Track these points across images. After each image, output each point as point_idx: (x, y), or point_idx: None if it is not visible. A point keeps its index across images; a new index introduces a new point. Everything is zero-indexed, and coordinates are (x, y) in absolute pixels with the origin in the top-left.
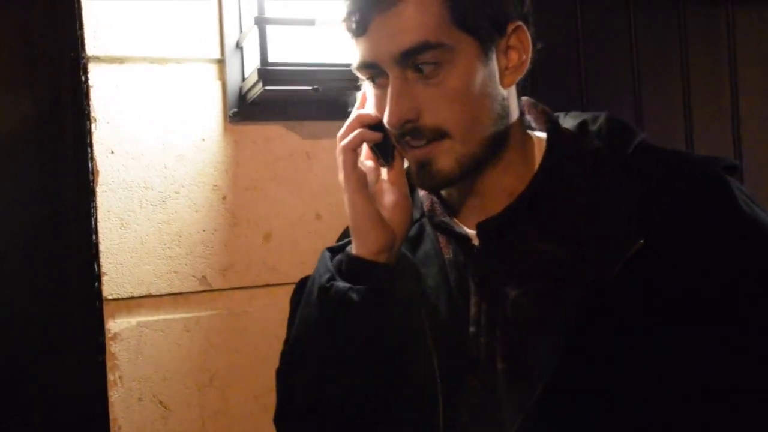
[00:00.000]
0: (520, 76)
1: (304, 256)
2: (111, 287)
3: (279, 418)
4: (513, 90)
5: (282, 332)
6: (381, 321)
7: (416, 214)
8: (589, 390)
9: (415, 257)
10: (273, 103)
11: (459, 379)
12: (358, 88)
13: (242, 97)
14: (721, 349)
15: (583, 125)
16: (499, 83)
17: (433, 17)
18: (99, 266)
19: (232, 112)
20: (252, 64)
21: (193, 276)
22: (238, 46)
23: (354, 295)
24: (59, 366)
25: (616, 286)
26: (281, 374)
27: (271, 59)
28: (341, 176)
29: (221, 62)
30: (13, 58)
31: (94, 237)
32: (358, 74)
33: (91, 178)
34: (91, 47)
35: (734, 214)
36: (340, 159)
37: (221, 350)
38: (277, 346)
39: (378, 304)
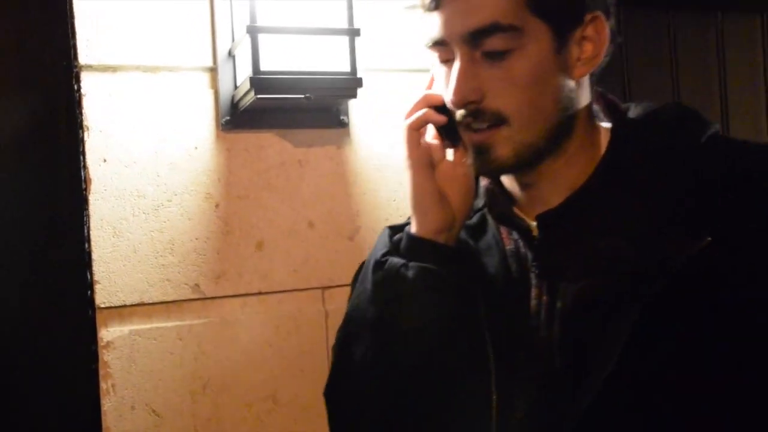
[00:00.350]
0: (593, 69)
1: (296, 264)
2: (104, 296)
3: (328, 390)
4: (585, 81)
5: (275, 340)
6: (433, 300)
7: (479, 203)
8: (650, 388)
9: (476, 246)
10: (265, 111)
11: (515, 372)
12: (350, 95)
13: (234, 105)
14: None
15: (651, 115)
16: (570, 74)
17: None
18: (92, 275)
19: (224, 120)
20: (244, 73)
21: (186, 284)
22: (231, 54)
23: (408, 272)
24: (52, 374)
25: (681, 284)
26: (335, 347)
27: (263, 68)
28: (404, 154)
29: (213, 71)
30: (6, 67)
31: (86, 245)
32: (429, 51)
33: (84, 186)
34: (84, 56)
35: None
36: (403, 137)
37: (214, 358)
38: (269, 354)
39: (431, 282)
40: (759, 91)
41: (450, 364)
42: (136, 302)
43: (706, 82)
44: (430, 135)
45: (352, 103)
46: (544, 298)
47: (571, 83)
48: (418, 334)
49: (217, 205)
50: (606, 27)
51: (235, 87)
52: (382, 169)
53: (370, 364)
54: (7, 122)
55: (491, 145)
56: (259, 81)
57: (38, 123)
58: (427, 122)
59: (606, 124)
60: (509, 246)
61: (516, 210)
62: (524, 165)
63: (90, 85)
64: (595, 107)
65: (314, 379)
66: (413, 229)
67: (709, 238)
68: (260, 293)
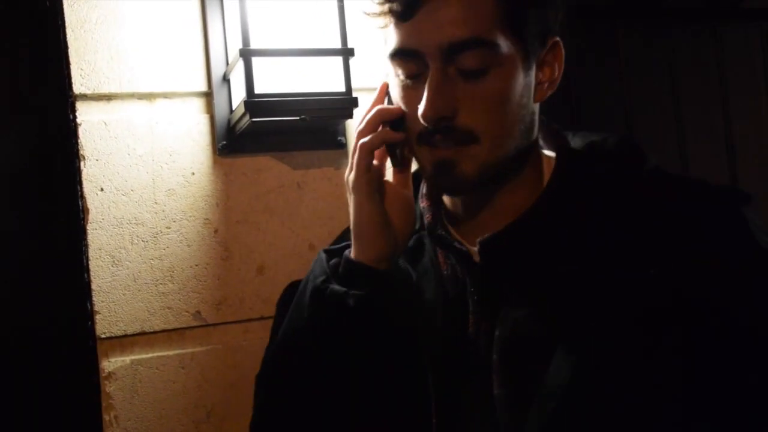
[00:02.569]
0: (550, 93)
1: None
2: (104, 326)
3: (256, 425)
4: (540, 108)
5: None
6: (375, 329)
7: (416, 225)
8: (594, 418)
9: (414, 270)
10: (262, 134)
11: (455, 400)
12: (346, 116)
13: (231, 129)
14: (741, 378)
15: (591, 146)
16: (534, 97)
17: (484, 14)
18: (92, 305)
19: (221, 145)
20: (239, 96)
21: (187, 311)
22: (225, 78)
23: (350, 300)
24: (54, 407)
25: (625, 313)
26: (263, 377)
27: (257, 90)
28: (352, 175)
29: (209, 95)
30: (1, 99)
31: (86, 275)
32: (391, 63)
33: (82, 216)
34: (79, 85)
35: (750, 246)
36: (354, 157)
37: (217, 385)
38: None
39: (373, 311)
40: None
41: (392, 391)
42: (137, 331)
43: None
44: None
45: (349, 123)
46: (483, 325)
47: (534, 107)
48: (361, 361)
49: (216, 231)
50: (563, 54)
51: (231, 111)
52: None
53: (309, 391)
54: (3, 154)
55: (457, 161)
56: (254, 104)
57: (34, 154)
58: (384, 142)
59: (548, 152)
60: (446, 270)
61: (454, 233)
62: (484, 185)
63: (85, 115)
64: (539, 134)
65: None
66: (354, 255)
67: (652, 271)
68: (262, 318)
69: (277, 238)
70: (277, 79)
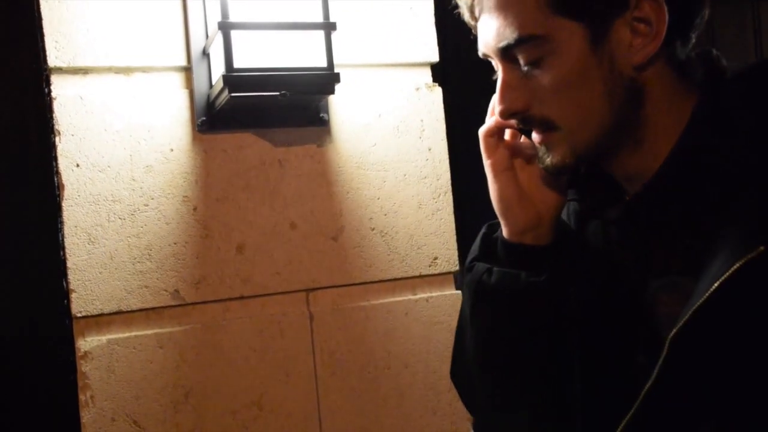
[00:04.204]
0: (655, 49)
1: (278, 267)
2: (80, 304)
3: (451, 372)
4: (660, 61)
5: (258, 345)
6: (516, 303)
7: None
8: (702, 390)
9: (584, 235)
10: (242, 110)
11: (601, 368)
12: (328, 91)
13: (210, 105)
14: None
15: (745, 77)
16: (624, 62)
17: (527, 8)
18: (67, 283)
19: (200, 120)
20: (219, 71)
21: (165, 290)
22: (205, 52)
23: (491, 278)
24: (28, 387)
25: (751, 287)
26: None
27: (236, 65)
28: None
29: (188, 70)
30: None
31: (61, 253)
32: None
33: (57, 192)
34: (53, 58)
35: None
36: (481, 144)
37: (196, 366)
38: (254, 359)
39: (513, 287)
40: None
41: (538, 359)
42: (114, 310)
43: None
44: (520, 137)
45: (333, 100)
46: (638, 290)
47: (628, 72)
48: (506, 334)
49: (195, 208)
50: (662, 3)
51: (211, 86)
52: (365, 167)
53: (473, 354)
54: None
55: (549, 146)
56: (233, 79)
57: (7, 128)
58: (498, 127)
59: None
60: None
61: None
62: (591, 161)
63: (60, 88)
64: (698, 72)
65: (300, 383)
66: (503, 231)
67: (762, 248)
68: (242, 297)
69: (258, 216)
70: (257, 53)
